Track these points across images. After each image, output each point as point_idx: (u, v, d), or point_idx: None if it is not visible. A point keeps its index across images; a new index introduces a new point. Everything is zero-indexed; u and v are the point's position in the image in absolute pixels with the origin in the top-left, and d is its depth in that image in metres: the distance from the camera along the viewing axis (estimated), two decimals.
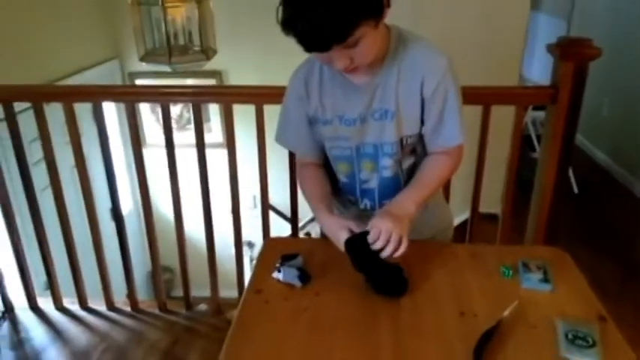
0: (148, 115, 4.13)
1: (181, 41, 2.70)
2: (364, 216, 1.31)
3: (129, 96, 2.12)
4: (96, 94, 2.05)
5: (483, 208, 2.02)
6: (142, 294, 2.73)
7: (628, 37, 4.11)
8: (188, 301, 2.31)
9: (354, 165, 1.29)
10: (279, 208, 3.30)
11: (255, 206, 3.64)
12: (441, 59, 1.18)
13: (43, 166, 2.07)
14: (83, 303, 2.31)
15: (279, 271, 1.20)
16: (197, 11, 2.65)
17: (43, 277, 2.27)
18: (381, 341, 1.02)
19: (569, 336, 0.99)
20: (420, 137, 1.25)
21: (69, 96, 2.02)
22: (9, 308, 2.30)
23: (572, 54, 1.75)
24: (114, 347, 2.10)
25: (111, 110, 3.68)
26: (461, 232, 2.03)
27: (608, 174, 4.30)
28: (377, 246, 1.09)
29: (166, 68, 2.66)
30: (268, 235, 2.12)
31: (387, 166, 1.26)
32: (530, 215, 2.05)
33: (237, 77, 3.95)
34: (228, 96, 2.07)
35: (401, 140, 1.22)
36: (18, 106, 2.06)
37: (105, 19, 3.87)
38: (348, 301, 1.13)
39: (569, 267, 1.24)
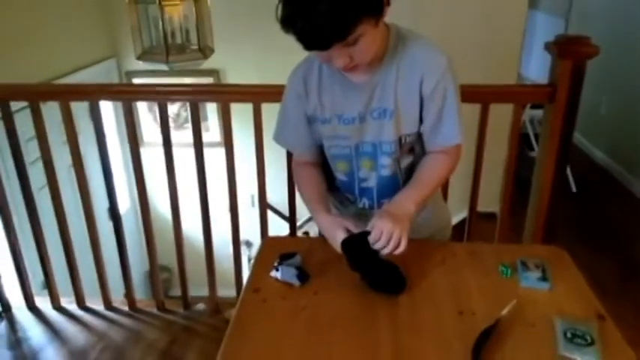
0: (145, 113, 4.12)
1: (179, 40, 2.70)
2: (362, 215, 1.31)
3: (126, 95, 2.11)
4: (93, 93, 2.04)
5: (481, 207, 2.02)
6: (140, 293, 2.73)
7: (626, 35, 4.11)
8: (186, 301, 2.30)
9: (352, 164, 1.29)
10: (277, 207, 3.29)
11: (253, 205, 3.63)
12: (440, 58, 1.17)
13: (40, 165, 2.06)
14: (81, 302, 2.31)
15: (278, 270, 1.19)
16: (194, 9, 2.65)
17: (41, 277, 2.26)
18: (380, 340, 1.02)
19: (568, 334, 0.99)
20: (419, 136, 1.25)
21: (66, 95, 2.02)
22: (6, 308, 2.30)
23: (570, 52, 1.74)
24: (112, 346, 2.10)
25: (108, 109, 3.68)
26: (459, 230, 2.02)
27: (606, 172, 4.31)
28: (378, 246, 1.09)
29: (164, 67, 2.66)
30: (266, 234, 2.12)
31: (386, 164, 1.26)
32: (529, 214, 2.05)
33: (235, 76, 3.95)
34: (225, 94, 2.07)
35: (399, 139, 1.22)
36: (15, 105, 2.05)
37: (102, 18, 3.86)
38: (347, 300, 1.13)
39: (567, 265, 1.24)
